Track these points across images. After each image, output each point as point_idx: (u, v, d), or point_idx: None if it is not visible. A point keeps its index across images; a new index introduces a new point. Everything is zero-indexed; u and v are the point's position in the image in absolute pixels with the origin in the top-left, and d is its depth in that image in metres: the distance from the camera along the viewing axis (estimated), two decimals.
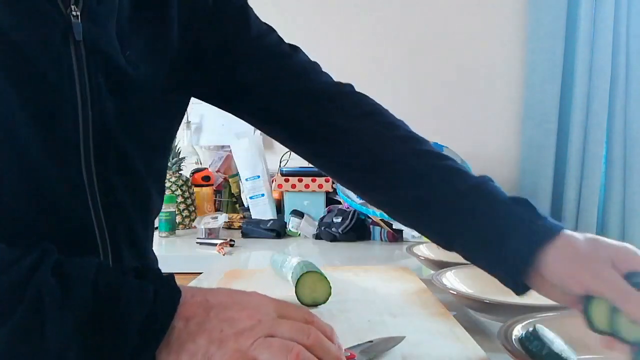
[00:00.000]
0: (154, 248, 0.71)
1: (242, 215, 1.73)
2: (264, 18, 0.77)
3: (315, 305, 0.72)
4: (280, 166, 1.79)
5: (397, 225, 1.38)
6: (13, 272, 0.40)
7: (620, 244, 0.50)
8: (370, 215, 1.41)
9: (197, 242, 1.42)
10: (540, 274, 0.51)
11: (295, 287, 0.72)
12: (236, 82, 0.70)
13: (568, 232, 0.52)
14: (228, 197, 1.88)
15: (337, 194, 1.49)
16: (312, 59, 0.77)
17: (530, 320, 0.54)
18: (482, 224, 0.56)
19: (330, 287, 0.72)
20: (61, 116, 0.52)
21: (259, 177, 1.66)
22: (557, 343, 0.48)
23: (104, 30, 0.55)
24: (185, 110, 0.71)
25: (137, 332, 0.40)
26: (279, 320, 0.44)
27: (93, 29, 0.53)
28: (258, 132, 1.77)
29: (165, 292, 0.43)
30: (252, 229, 1.49)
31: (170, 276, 0.45)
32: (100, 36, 0.54)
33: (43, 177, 0.52)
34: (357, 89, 0.74)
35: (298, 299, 0.72)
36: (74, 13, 0.52)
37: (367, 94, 0.74)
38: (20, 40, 0.49)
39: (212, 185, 1.81)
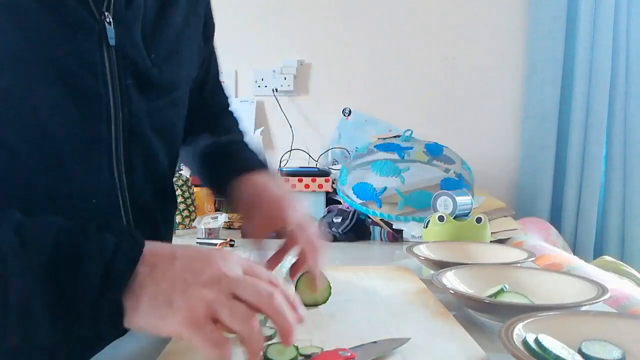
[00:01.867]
0: None
1: (242, 215, 1.73)
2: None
3: (316, 305, 0.72)
4: (280, 166, 1.79)
5: (397, 225, 1.38)
6: None
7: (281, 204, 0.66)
8: (370, 215, 1.41)
9: (197, 242, 1.42)
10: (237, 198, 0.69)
11: (295, 286, 0.72)
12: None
13: (251, 182, 0.69)
14: None
15: (337, 194, 1.49)
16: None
17: (530, 320, 0.54)
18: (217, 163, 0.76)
19: (330, 287, 0.72)
20: (96, 117, 0.56)
21: None
22: (563, 350, 0.48)
23: (132, 35, 0.58)
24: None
25: (99, 277, 0.42)
26: (244, 278, 0.44)
27: (122, 34, 0.57)
28: (258, 131, 1.78)
29: (127, 241, 0.45)
30: None
31: (136, 232, 0.47)
32: (129, 40, 0.58)
33: (75, 176, 0.55)
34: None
35: None
36: (107, 20, 0.55)
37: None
38: (58, 45, 0.51)
39: None
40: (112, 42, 0.56)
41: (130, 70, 0.58)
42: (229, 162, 0.75)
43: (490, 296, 0.69)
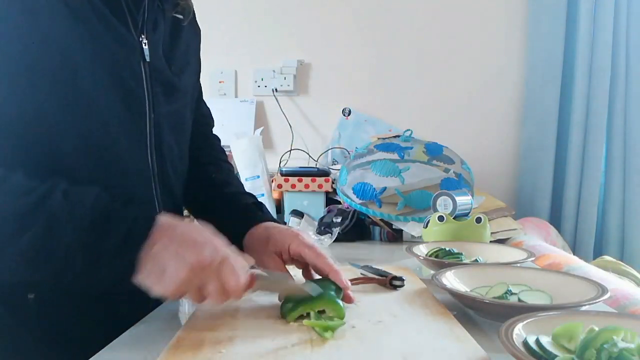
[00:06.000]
0: None
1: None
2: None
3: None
4: (280, 166, 1.79)
5: (396, 225, 1.38)
6: (33, 195, 0.55)
7: (289, 231, 0.76)
8: (370, 215, 1.41)
9: None
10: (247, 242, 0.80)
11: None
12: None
13: (263, 224, 0.80)
14: None
15: (336, 194, 1.49)
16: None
17: (530, 320, 0.54)
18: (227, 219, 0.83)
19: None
20: (138, 115, 0.71)
21: (258, 177, 1.65)
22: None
23: (158, 52, 0.75)
24: None
25: (122, 236, 0.56)
26: (223, 271, 0.59)
27: (152, 51, 0.73)
28: (258, 132, 1.77)
29: (144, 214, 0.60)
30: None
31: (151, 211, 0.63)
32: (157, 56, 0.74)
33: (125, 163, 0.70)
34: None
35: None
36: (144, 41, 0.72)
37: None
38: (116, 59, 0.67)
39: None
40: (147, 58, 0.72)
41: (158, 79, 0.74)
42: (241, 219, 0.84)
43: (500, 297, 0.69)
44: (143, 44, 0.72)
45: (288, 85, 2.00)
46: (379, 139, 1.62)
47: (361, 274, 0.85)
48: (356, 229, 1.41)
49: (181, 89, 0.80)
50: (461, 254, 0.93)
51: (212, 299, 0.59)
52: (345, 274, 0.71)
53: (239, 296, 0.61)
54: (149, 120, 0.73)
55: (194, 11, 0.86)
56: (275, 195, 1.69)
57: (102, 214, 0.57)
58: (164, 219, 0.60)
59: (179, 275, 0.56)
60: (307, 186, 1.54)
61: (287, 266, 0.77)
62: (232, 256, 0.60)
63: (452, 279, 0.76)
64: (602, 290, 0.65)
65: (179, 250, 0.57)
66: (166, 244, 0.57)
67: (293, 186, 1.55)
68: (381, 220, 1.40)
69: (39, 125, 0.62)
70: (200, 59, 0.93)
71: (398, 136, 1.59)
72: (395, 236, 1.40)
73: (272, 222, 0.81)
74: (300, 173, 1.56)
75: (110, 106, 0.67)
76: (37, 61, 0.60)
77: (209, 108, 1.02)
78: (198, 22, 0.91)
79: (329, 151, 1.92)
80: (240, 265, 0.61)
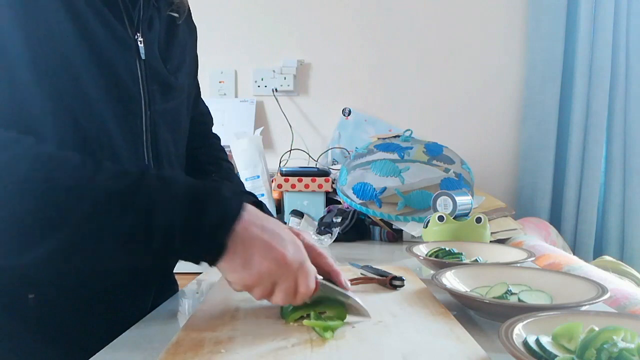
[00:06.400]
0: None
1: None
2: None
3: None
4: (280, 166, 1.79)
5: (397, 225, 1.38)
6: (129, 177, 0.57)
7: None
8: (370, 215, 1.41)
9: None
10: None
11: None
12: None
13: None
14: None
15: (336, 194, 1.49)
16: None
17: (530, 319, 0.54)
18: None
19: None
20: (134, 114, 0.71)
21: (258, 177, 1.65)
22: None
23: (153, 50, 0.75)
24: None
25: (218, 216, 0.57)
26: (300, 273, 0.60)
27: (148, 50, 0.73)
28: (258, 132, 1.78)
29: (237, 196, 0.60)
30: None
31: (242, 193, 0.66)
32: (152, 54, 0.74)
33: (122, 160, 0.69)
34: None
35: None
36: (139, 39, 0.72)
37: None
38: (112, 57, 0.67)
39: None
40: (143, 56, 0.72)
41: (154, 77, 0.74)
42: None
43: (500, 297, 0.69)
44: (139, 42, 0.71)
45: (288, 85, 2.00)
46: (379, 139, 1.62)
47: (361, 274, 0.85)
48: (356, 229, 1.41)
49: (177, 87, 0.80)
50: (461, 254, 0.93)
51: (279, 298, 0.61)
52: (345, 274, 0.71)
53: (302, 301, 0.62)
54: (144, 118, 0.73)
55: (189, 9, 0.86)
56: (275, 195, 1.69)
57: (197, 192, 0.58)
58: (251, 207, 0.61)
59: (264, 265, 0.58)
60: (307, 186, 1.54)
61: None
62: (308, 261, 0.62)
63: (452, 279, 0.76)
64: (602, 290, 0.65)
65: (268, 241, 0.59)
66: (258, 233, 0.59)
67: (293, 186, 1.55)
68: (381, 220, 1.40)
69: (39, 124, 0.61)
70: (196, 57, 0.92)
71: (398, 136, 1.60)
72: (395, 236, 1.40)
73: None
74: (300, 173, 1.56)
75: (106, 104, 0.67)
76: (38, 59, 0.59)
77: (207, 107, 1.02)
78: (198, 21, 0.91)
79: (329, 151, 1.92)
80: (313, 271, 0.62)
